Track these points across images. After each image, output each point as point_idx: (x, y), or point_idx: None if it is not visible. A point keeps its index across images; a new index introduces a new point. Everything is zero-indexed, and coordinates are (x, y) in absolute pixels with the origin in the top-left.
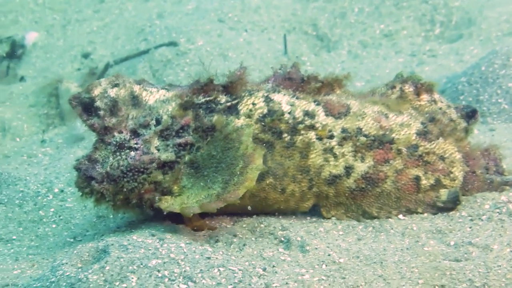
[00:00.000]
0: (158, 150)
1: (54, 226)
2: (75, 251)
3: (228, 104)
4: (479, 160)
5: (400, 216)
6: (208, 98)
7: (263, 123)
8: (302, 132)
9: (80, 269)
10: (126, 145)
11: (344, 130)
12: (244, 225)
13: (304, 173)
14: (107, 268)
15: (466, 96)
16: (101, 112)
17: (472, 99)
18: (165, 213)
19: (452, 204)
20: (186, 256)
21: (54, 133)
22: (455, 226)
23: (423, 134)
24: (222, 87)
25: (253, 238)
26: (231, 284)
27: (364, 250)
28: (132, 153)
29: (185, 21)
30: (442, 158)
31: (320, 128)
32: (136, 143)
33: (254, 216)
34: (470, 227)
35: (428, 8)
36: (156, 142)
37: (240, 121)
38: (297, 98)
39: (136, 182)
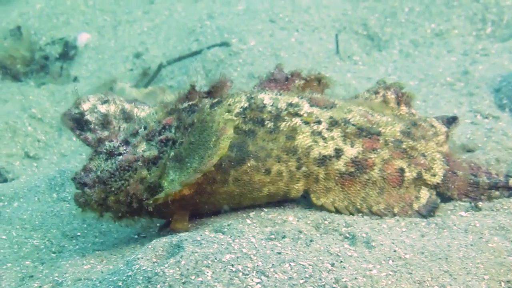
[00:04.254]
0: (144, 151)
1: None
2: (149, 246)
3: (209, 103)
4: (461, 163)
5: (462, 212)
6: (191, 102)
7: (243, 115)
8: (286, 118)
9: (156, 263)
10: (115, 152)
11: (331, 118)
12: (308, 222)
13: (291, 153)
14: (183, 262)
15: None
16: (92, 126)
17: None
18: (149, 208)
19: (426, 213)
20: (257, 251)
21: None
22: None
23: (406, 133)
24: (206, 93)
25: (318, 234)
26: (302, 279)
27: (428, 246)
28: (120, 157)
29: (236, 21)
30: (423, 155)
31: (305, 115)
32: (125, 149)
33: (318, 213)
34: None
35: (479, 7)
36: (143, 145)
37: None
38: (280, 94)
39: (123, 180)
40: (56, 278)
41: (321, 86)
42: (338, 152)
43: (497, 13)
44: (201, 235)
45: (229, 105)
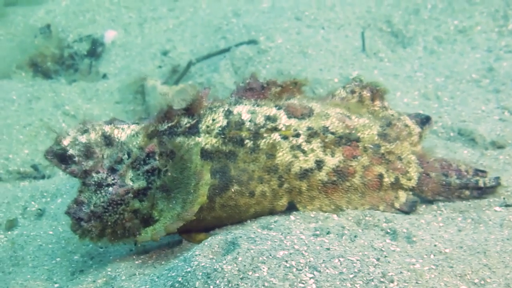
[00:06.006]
0: (133, 181)
1: None
2: (205, 243)
3: (188, 125)
4: (434, 164)
5: (497, 208)
6: (170, 124)
7: (223, 136)
8: (265, 135)
9: (213, 260)
10: (104, 183)
11: (310, 128)
12: (349, 218)
13: (272, 172)
14: (240, 259)
15: None
16: (76, 159)
17: None
18: (138, 244)
19: (409, 209)
20: (308, 247)
21: None
22: None
23: (383, 135)
24: (184, 110)
25: (360, 230)
26: (352, 273)
27: (466, 240)
28: (110, 189)
29: (262, 19)
30: (399, 158)
31: (284, 129)
32: (113, 179)
33: (359, 209)
34: None
35: (501, 4)
36: (130, 174)
37: (200, 139)
38: (258, 105)
39: (117, 214)
40: (109, 272)
41: (297, 86)
42: (319, 164)
43: None
44: (254, 233)
45: (207, 126)
